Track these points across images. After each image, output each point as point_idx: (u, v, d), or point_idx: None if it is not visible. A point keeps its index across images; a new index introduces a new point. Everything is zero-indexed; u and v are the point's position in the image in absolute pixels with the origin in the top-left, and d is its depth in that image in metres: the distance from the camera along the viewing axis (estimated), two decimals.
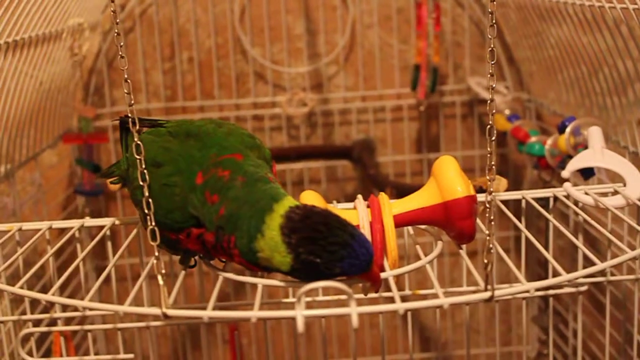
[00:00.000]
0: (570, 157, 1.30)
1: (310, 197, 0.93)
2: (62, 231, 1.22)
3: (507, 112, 1.76)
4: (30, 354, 1.18)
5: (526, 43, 1.81)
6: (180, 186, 0.91)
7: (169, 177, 0.92)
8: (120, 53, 0.83)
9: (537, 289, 0.85)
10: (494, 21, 0.82)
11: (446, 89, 1.97)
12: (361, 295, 0.98)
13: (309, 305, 1.04)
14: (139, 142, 0.84)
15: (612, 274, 1.34)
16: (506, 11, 1.86)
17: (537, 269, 1.92)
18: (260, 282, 0.88)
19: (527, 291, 0.83)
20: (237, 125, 0.99)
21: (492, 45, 0.82)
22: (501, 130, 1.76)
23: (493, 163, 0.82)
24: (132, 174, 0.97)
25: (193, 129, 0.98)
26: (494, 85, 0.83)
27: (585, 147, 1.28)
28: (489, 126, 0.82)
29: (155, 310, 0.80)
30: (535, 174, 1.75)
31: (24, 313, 1.34)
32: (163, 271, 0.81)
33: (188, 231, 0.90)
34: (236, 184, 0.88)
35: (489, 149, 0.82)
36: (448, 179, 0.92)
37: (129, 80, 0.85)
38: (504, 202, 1.18)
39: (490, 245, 0.81)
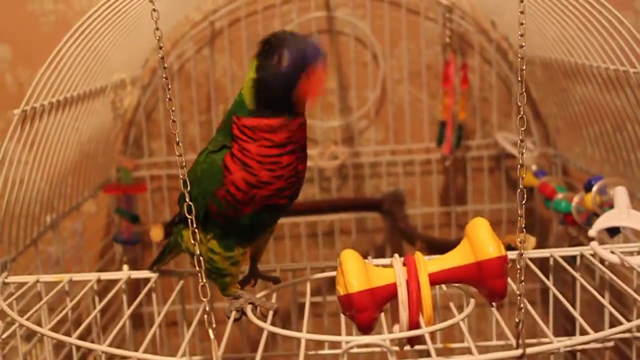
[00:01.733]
0: (597, 214, 1.34)
1: (351, 256, 0.98)
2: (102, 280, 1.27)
3: (534, 167, 1.80)
4: None
5: (552, 99, 1.86)
6: (214, 145, 1.07)
7: (205, 153, 1.08)
8: (172, 118, 0.89)
9: (566, 346, 0.88)
10: (523, 89, 0.87)
11: (473, 144, 2.02)
12: (396, 348, 1.02)
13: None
14: (190, 203, 0.89)
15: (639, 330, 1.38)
16: (533, 68, 1.91)
17: (563, 321, 1.95)
18: (304, 336, 0.93)
19: (558, 349, 0.87)
20: None
21: (522, 112, 0.87)
22: (528, 186, 1.80)
23: (523, 225, 0.87)
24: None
25: None
26: (524, 151, 0.87)
27: (611, 206, 1.32)
28: (519, 189, 0.86)
29: None
30: (561, 229, 1.79)
31: (65, 358, 1.39)
32: (214, 325, 0.86)
33: (225, 165, 1.03)
34: None
35: (519, 212, 0.86)
36: (481, 240, 0.97)
37: (180, 144, 0.90)
38: (532, 259, 1.22)
39: (521, 305, 0.85)
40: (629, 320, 1.26)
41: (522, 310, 0.86)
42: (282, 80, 0.98)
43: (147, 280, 1.21)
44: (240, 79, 1.98)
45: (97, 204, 1.95)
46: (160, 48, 0.92)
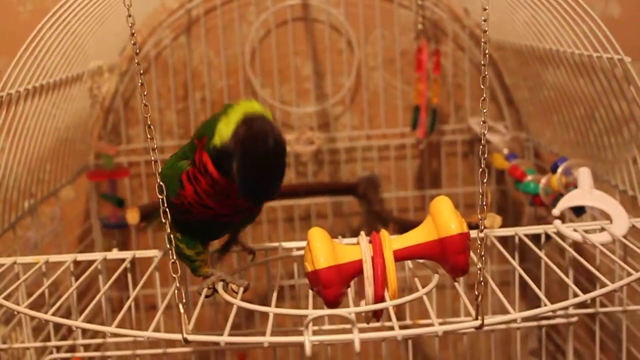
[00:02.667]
0: (562, 195, 1.37)
1: (318, 234, 1.01)
2: (80, 263, 1.30)
3: (505, 151, 1.84)
4: None
5: (524, 85, 1.89)
6: (179, 156, 1.08)
7: (174, 157, 1.10)
8: (144, 102, 0.91)
9: (525, 318, 0.92)
10: (486, 73, 0.90)
11: (447, 129, 2.05)
12: (365, 325, 1.05)
13: (315, 334, 1.12)
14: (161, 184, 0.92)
15: (605, 305, 1.42)
16: (505, 54, 1.94)
17: (537, 303, 1.98)
18: (272, 310, 0.96)
19: (515, 320, 0.90)
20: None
21: (484, 96, 0.90)
22: (500, 169, 1.84)
23: (485, 202, 0.90)
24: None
25: None
26: (485, 132, 0.90)
27: (576, 187, 1.35)
28: (481, 168, 0.89)
29: (176, 336, 0.87)
30: (532, 211, 1.83)
31: (43, 341, 1.42)
32: (184, 300, 0.89)
33: (182, 181, 1.03)
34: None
35: (480, 190, 0.89)
36: (443, 218, 1.00)
37: (151, 127, 0.92)
38: (502, 238, 1.26)
39: (481, 278, 0.89)
40: (594, 299, 1.30)
41: (482, 283, 0.89)
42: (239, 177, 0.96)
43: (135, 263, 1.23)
44: (217, 66, 2.00)
45: (75, 189, 1.97)
46: (133, 34, 0.93)
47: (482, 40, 0.90)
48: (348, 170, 2.06)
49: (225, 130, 0.97)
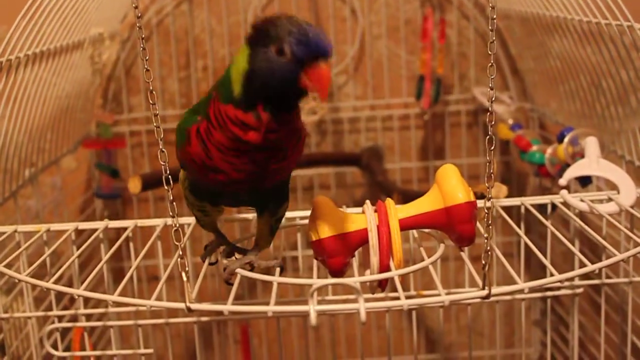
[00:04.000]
0: (569, 165, 1.36)
1: (323, 203, 1.00)
2: (81, 232, 1.29)
3: (510, 121, 1.82)
4: (54, 348, 1.25)
5: (529, 54, 1.87)
6: (190, 110, 1.01)
7: (187, 111, 1.02)
8: (145, 67, 0.89)
9: (532, 289, 0.90)
10: (494, 38, 0.88)
11: (452, 99, 2.03)
12: (369, 295, 1.04)
13: (319, 304, 1.11)
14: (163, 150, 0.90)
15: (610, 277, 1.41)
16: (510, 23, 1.92)
17: (541, 273, 1.98)
18: (275, 279, 0.95)
19: (522, 290, 0.89)
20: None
21: (492, 62, 0.88)
22: (504, 139, 1.82)
23: (492, 171, 0.89)
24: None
25: None
26: (493, 98, 0.89)
27: (582, 156, 1.34)
28: (487, 137, 0.88)
29: (179, 305, 0.86)
30: (536, 182, 1.81)
31: (45, 310, 1.41)
32: (187, 268, 0.88)
33: (189, 135, 0.96)
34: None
35: (487, 159, 0.88)
36: (450, 186, 0.99)
37: (154, 92, 0.90)
38: (506, 208, 1.24)
39: (488, 248, 0.87)
40: (599, 270, 1.29)
41: (490, 253, 0.88)
42: (280, 74, 0.89)
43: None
44: (219, 34, 1.98)
45: (76, 159, 1.96)
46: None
47: (490, 4, 0.88)
48: (351, 141, 2.05)
49: (240, 64, 0.92)
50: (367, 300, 0.83)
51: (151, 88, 0.91)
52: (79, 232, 1.25)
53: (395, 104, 2.03)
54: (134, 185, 1.53)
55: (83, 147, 1.88)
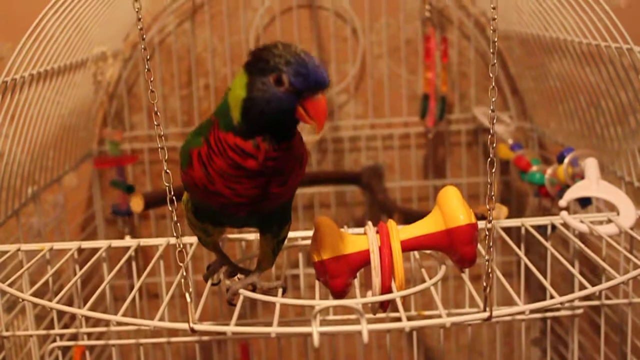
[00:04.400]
0: (569, 186, 1.37)
1: (325, 224, 1.00)
2: (83, 250, 1.29)
3: (510, 141, 1.83)
4: None
5: (529, 74, 1.88)
6: (194, 132, 1.00)
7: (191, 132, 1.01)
8: (150, 88, 0.90)
9: (532, 310, 0.91)
10: (494, 61, 0.89)
11: (452, 118, 2.04)
12: (370, 316, 1.05)
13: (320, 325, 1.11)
14: (167, 171, 0.91)
15: (609, 298, 1.41)
16: (510, 44, 1.93)
17: (540, 294, 1.98)
18: (278, 300, 0.95)
19: (523, 312, 0.90)
20: None
21: (493, 84, 0.89)
22: (504, 159, 1.83)
23: (493, 193, 0.89)
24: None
25: None
26: (494, 121, 0.90)
27: (582, 178, 1.35)
28: (489, 159, 0.89)
29: (183, 325, 0.87)
30: (536, 202, 1.82)
31: (46, 329, 1.41)
32: (190, 289, 0.88)
33: (191, 159, 0.95)
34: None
35: (489, 180, 0.89)
36: (451, 208, 0.99)
37: (158, 113, 0.91)
38: (506, 229, 1.25)
39: (489, 270, 0.88)
40: (599, 291, 1.29)
41: (490, 275, 0.88)
42: (277, 104, 0.88)
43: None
44: (221, 53, 1.99)
45: (78, 177, 1.96)
46: (139, 19, 0.92)
47: (491, 27, 0.89)
48: (352, 160, 2.05)
49: (238, 91, 0.91)
50: (368, 321, 0.84)
51: (156, 109, 0.91)
52: (80, 251, 1.25)
53: (396, 123, 2.04)
54: (137, 204, 1.54)
55: (94, 166, 1.90)
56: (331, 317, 1.35)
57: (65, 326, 1.56)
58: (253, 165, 0.92)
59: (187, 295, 0.88)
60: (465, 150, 2.06)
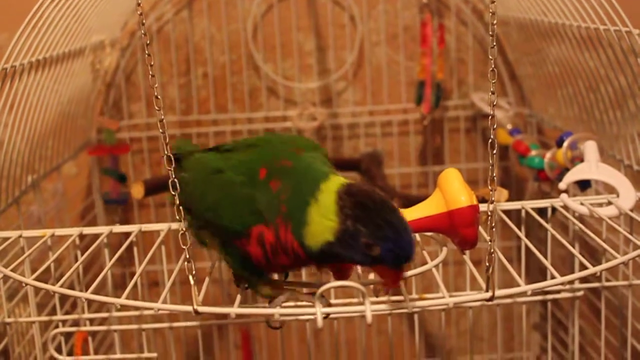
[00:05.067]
0: (568, 169, 1.37)
1: None
2: (84, 237, 1.29)
3: (509, 126, 1.83)
4: (57, 352, 1.26)
5: (527, 60, 1.89)
6: (245, 184, 0.93)
7: (233, 178, 0.95)
8: (150, 73, 0.90)
9: (534, 291, 0.91)
10: (494, 43, 0.89)
11: (450, 104, 2.05)
12: (373, 298, 1.05)
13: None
14: (170, 155, 0.91)
15: (609, 280, 1.42)
16: (508, 29, 1.93)
17: (540, 277, 1.99)
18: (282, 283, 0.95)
19: (525, 292, 0.90)
20: (292, 134, 1.03)
21: (492, 66, 0.89)
22: (503, 144, 1.83)
23: (494, 175, 0.90)
24: (189, 192, 0.99)
25: (251, 140, 1.04)
26: (495, 103, 0.90)
27: (582, 161, 1.35)
28: (490, 140, 0.89)
29: (187, 308, 0.87)
30: (536, 186, 1.82)
31: (48, 315, 1.41)
32: (194, 272, 0.89)
33: (249, 232, 0.91)
34: (298, 168, 0.93)
35: (490, 162, 0.89)
36: (452, 190, 1.00)
37: (159, 97, 0.91)
38: (506, 212, 1.25)
39: (492, 250, 0.88)
40: (599, 274, 1.30)
41: (493, 255, 0.89)
42: (359, 262, 0.88)
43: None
44: (219, 41, 1.99)
45: (77, 165, 1.97)
46: (139, 4, 0.92)
47: (490, 10, 0.89)
48: (351, 146, 2.06)
49: (324, 223, 0.87)
50: (371, 304, 0.84)
51: (156, 94, 0.91)
52: (81, 237, 1.25)
53: (394, 110, 2.05)
54: (137, 191, 1.54)
55: (88, 153, 1.90)
56: (333, 300, 1.35)
57: (67, 313, 1.56)
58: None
59: (190, 277, 0.88)
60: (464, 136, 2.06)
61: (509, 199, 1.39)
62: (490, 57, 0.89)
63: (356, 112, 2.05)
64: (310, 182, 0.90)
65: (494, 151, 0.89)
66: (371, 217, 0.85)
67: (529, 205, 1.25)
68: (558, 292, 1.37)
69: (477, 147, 2.07)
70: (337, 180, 0.90)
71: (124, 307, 1.34)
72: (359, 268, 1.02)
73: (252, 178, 0.94)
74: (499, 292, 0.89)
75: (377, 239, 0.85)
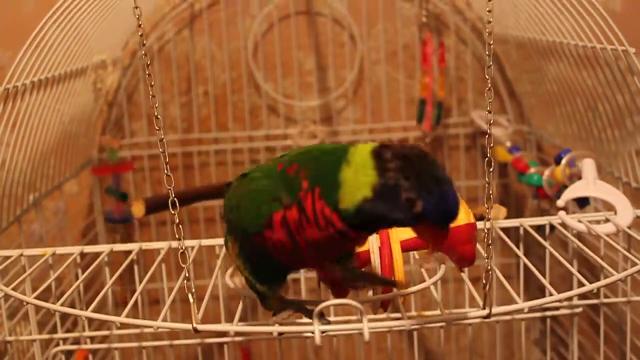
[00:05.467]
0: (566, 187, 1.38)
1: None
2: (85, 256, 1.30)
3: (508, 144, 1.84)
4: None
5: (526, 78, 1.90)
6: (262, 178, 0.91)
7: (256, 180, 0.92)
8: (151, 93, 0.91)
9: (531, 308, 0.92)
10: (490, 63, 0.90)
11: (450, 122, 2.05)
12: (372, 316, 1.06)
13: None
14: (169, 174, 0.92)
15: (607, 297, 1.42)
16: (507, 48, 1.94)
17: (539, 294, 1.99)
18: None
19: (522, 309, 0.91)
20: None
21: (489, 85, 0.90)
22: (502, 162, 1.84)
23: (491, 192, 0.90)
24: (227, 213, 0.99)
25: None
26: (491, 121, 0.91)
27: (580, 178, 1.36)
28: (487, 158, 0.90)
29: (186, 326, 0.88)
30: (535, 204, 1.83)
31: (49, 333, 1.42)
32: (193, 290, 0.89)
33: (270, 221, 0.87)
34: (316, 150, 0.90)
35: (487, 179, 0.90)
36: None
37: (159, 117, 0.92)
38: (505, 230, 1.26)
39: (489, 267, 0.89)
40: (598, 290, 1.31)
41: (490, 272, 0.89)
42: (400, 222, 0.81)
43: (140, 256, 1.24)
44: (220, 60, 2.01)
45: (79, 184, 1.98)
46: (140, 25, 0.93)
47: (487, 30, 0.90)
48: None
49: (361, 182, 0.81)
50: (369, 321, 0.85)
51: (156, 114, 0.92)
52: (82, 256, 1.26)
53: (395, 128, 2.06)
54: (138, 209, 1.53)
55: (92, 173, 1.91)
56: (332, 318, 1.36)
57: (68, 331, 1.57)
58: (352, 248, 0.93)
59: (190, 295, 0.89)
60: (464, 153, 2.07)
61: (509, 217, 1.39)
62: (487, 76, 0.90)
63: (356, 130, 2.06)
64: (335, 152, 0.86)
65: (491, 169, 0.89)
66: (413, 170, 0.79)
67: (527, 222, 1.26)
68: (557, 308, 1.38)
69: (476, 164, 2.08)
70: (367, 145, 0.84)
71: (124, 325, 1.35)
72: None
73: (270, 172, 0.91)
74: (496, 310, 0.90)
75: (420, 193, 0.78)
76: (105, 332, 1.31)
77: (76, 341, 1.47)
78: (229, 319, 0.91)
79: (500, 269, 1.99)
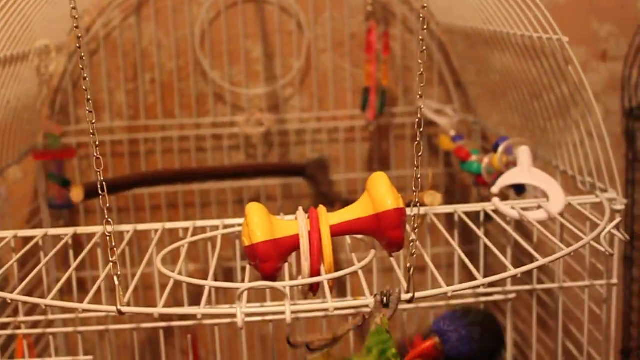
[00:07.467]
0: (503, 174, 1.39)
1: (256, 209, 1.02)
2: (27, 242, 1.29)
3: (452, 132, 1.85)
4: None
5: (473, 68, 1.91)
6: None
7: None
8: (84, 75, 0.91)
9: (457, 292, 0.93)
10: (424, 47, 0.91)
11: (397, 111, 2.07)
12: (302, 300, 1.06)
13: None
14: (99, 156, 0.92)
15: (542, 283, 1.45)
16: (453, 37, 1.96)
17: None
18: (207, 284, 0.96)
19: (446, 293, 0.92)
20: None
21: (422, 70, 0.91)
22: (446, 150, 1.86)
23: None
24: None
25: None
26: (422, 106, 0.92)
27: (516, 165, 1.38)
28: (416, 142, 0.91)
29: (110, 308, 0.88)
30: (476, 191, 1.85)
31: None
32: (119, 272, 0.90)
33: None
34: None
35: (415, 163, 0.91)
36: (379, 193, 1.01)
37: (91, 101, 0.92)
38: (448, 220, 1.27)
39: (413, 251, 0.90)
40: (530, 277, 1.33)
41: (414, 256, 0.90)
42: None
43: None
44: (166, 47, 2.00)
45: (23, 170, 1.96)
46: (74, 8, 0.92)
47: (420, 15, 0.91)
48: (298, 153, 2.07)
49: None
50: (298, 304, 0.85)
51: (88, 97, 0.92)
52: (24, 242, 1.25)
53: (341, 116, 2.07)
54: (77, 194, 1.54)
55: (33, 158, 1.89)
56: (269, 304, 1.36)
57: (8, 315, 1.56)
58: None
59: (115, 278, 0.89)
60: (410, 143, 2.08)
61: (443, 203, 1.41)
62: (420, 60, 0.92)
63: (303, 118, 2.06)
64: None
65: (419, 153, 0.91)
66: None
67: (461, 209, 1.27)
68: (491, 294, 1.40)
69: (423, 153, 2.09)
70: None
71: (65, 310, 1.35)
72: (287, 272, 1.03)
73: None
74: (419, 293, 0.91)
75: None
76: (40, 317, 1.31)
77: (17, 327, 1.46)
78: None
79: (446, 257, 2.01)
